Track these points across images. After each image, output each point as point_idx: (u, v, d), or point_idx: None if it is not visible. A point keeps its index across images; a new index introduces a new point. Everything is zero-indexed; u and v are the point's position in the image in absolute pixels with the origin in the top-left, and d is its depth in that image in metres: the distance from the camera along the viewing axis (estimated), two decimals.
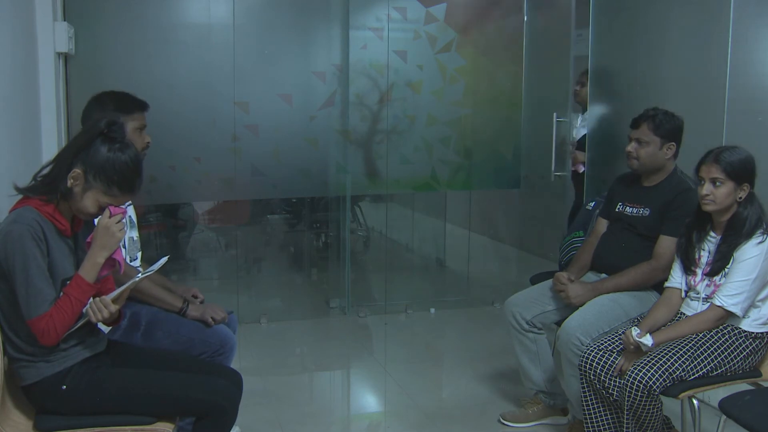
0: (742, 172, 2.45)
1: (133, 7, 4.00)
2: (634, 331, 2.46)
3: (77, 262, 2.12)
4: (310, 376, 3.88)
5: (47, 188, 2.04)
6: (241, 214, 5.01)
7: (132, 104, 2.65)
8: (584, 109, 4.36)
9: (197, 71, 4.18)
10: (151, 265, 2.19)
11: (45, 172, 2.07)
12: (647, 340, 2.43)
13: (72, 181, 2.02)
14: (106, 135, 2.03)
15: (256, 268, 5.10)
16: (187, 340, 2.61)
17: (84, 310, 2.02)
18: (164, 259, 2.16)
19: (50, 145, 3.48)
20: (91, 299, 2.03)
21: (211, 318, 2.68)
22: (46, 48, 3.45)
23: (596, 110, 4.27)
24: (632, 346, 2.47)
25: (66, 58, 3.73)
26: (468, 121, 4.77)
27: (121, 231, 2.03)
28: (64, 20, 3.62)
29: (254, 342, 4.34)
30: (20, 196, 2.06)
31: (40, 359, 2.04)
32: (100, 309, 2.01)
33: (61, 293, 2.02)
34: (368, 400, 3.59)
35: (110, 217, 2.04)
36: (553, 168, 4.44)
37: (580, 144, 4.35)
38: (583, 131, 4.33)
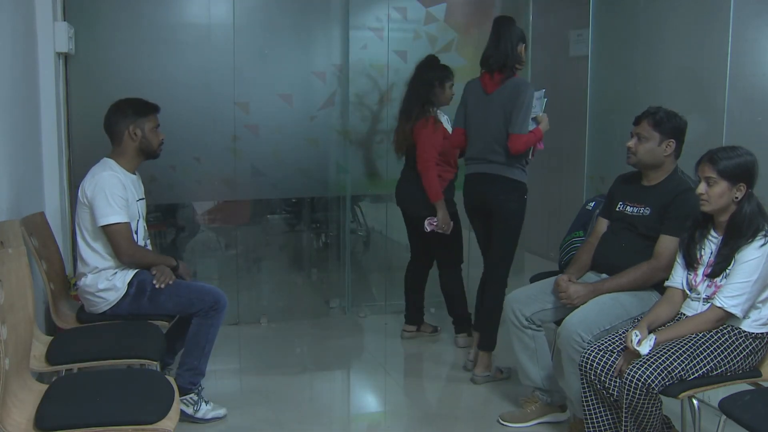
0: (736, 172, 2.45)
1: (133, 7, 4.00)
2: (635, 337, 2.46)
3: None
4: (310, 376, 3.88)
5: None
6: (241, 214, 5.00)
7: (146, 108, 3.06)
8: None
9: (197, 71, 4.18)
10: None
11: None
12: (644, 349, 2.42)
13: None
14: None
15: (256, 268, 5.09)
16: (186, 301, 2.99)
17: None
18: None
19: (50, 144, 3.49)
20: None
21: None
22: (46, 48, 3.46)
23: (596, 110, 4.27)
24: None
25: (66, 58, 3.73)
26: None
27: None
28: (64, 20, 3.63)
29: (254, 342, 4.34)
30: None
31: None
32: None
33: None
34: (368, 400, 3.59)
35: None
36: None
37: None
38: None
